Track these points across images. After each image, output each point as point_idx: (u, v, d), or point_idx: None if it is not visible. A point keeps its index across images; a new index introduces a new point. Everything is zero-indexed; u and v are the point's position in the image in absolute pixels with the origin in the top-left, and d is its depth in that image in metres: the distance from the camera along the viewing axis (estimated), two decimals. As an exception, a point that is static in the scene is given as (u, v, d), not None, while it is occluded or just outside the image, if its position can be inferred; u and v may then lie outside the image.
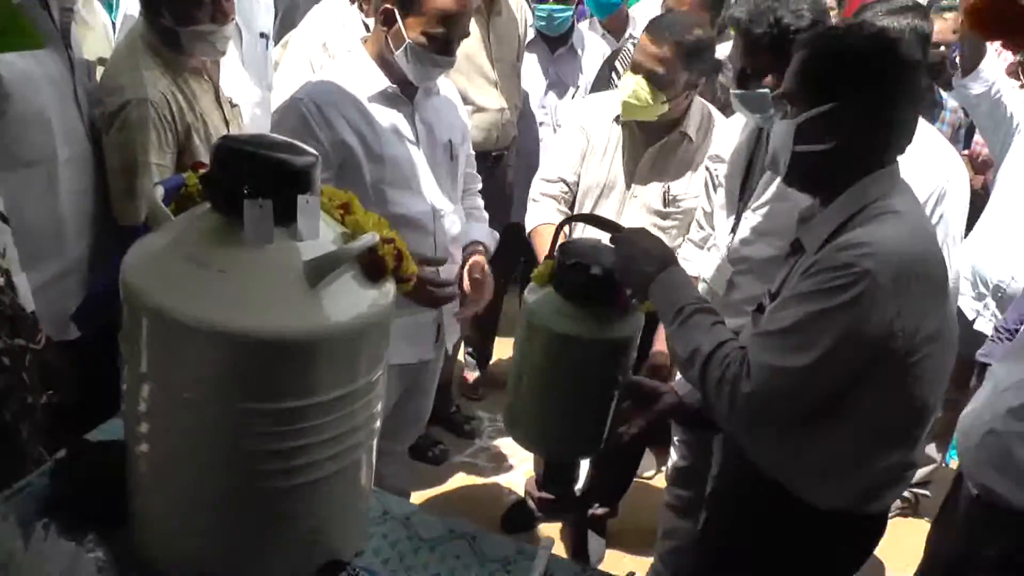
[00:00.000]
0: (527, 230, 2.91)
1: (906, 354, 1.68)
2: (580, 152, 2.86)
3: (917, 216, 1.76)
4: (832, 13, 5.26)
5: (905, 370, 1.70)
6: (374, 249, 1.38)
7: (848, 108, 1.69)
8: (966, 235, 3.15)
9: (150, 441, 1.40)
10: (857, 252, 1.62)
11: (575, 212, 2.86)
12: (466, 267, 2.52)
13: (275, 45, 3.45)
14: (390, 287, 1.44)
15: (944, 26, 3.76)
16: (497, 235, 2.77)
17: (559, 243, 2.00)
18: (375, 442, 1.56)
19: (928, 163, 2.33)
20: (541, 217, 2.87)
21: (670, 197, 2.77)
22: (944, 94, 3.86)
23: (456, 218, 2.53)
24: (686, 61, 2.60)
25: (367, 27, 3.11)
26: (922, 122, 2.45)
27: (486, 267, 2.55)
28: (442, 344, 2.66)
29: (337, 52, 3.06)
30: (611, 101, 2.79)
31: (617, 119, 2.79)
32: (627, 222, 2.55)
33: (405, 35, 2.26)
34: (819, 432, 1.75)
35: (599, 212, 2.74)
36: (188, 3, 2.27)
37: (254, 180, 1.31)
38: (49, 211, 2.18)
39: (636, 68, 2.65)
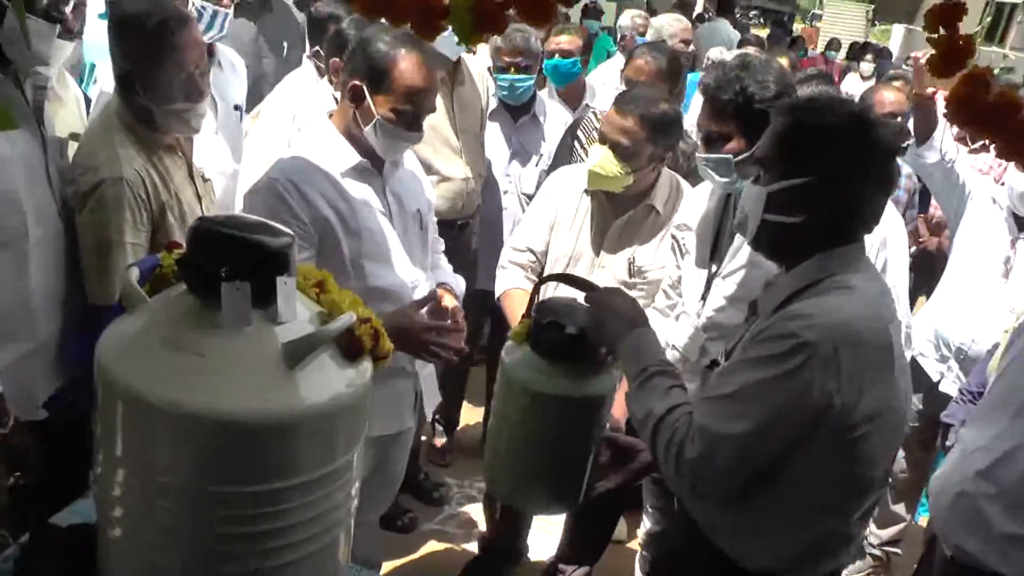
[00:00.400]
0: (496, 295, 2.94)
1: (844, 430, 1.67)
2: (548, 223, 2.91)
3: (873, 295, 1.75)
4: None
5: (843, 446, 1.69)
6: (351, 329, 1.39)
7: (822, 185, 1.71)
8: (927, 298, 3.21)
9: (124, 525, 1.37)
10: (802, 323, 1.64)
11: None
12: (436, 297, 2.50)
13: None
14: (367, 365, 1.44)
15: (897, 96, 3.90)
16: (463, 282, 2.79)
17: (536, 302, 2.03)
18: (352, 518, 1.55)
19: None
20: (510, 283, 2.90)
21: (636, 268, 2.80)
22: (899, 160, 3.97)
23: (428, 286, 2.55)
24: (651, 134, 2.67)
25: (337, 100, 3.14)
26: None
27: (455, 301, 2.55)
28: (419, 412, 2.66)
29: (305, 125, 3.09)
30: (581, 173, 2.84)
31: (587, 191, 2.84)
32: None
33: (374, 111, 2.29)
34: (752, 497, 1.75)
35: None
36: (163, 82, 2.28)
37: (231, 262, 1.31)
38: (19, 291, 2.15)
39: (603, 139, 2.72)
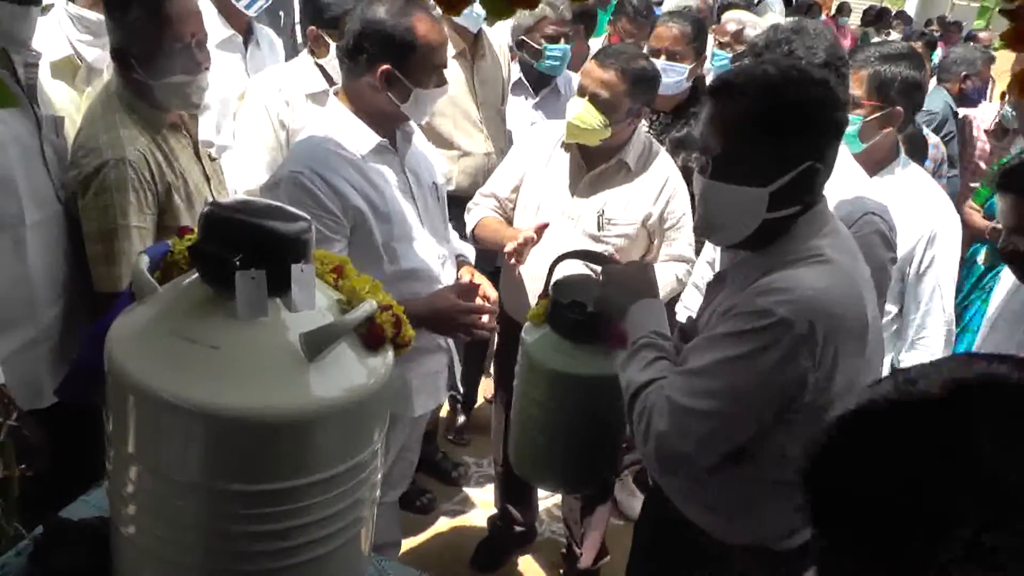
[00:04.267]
0: (469, 231, 2.97)
1: (818, 406, 1.60)
2: (517, 173, 2.96)
3: (847, 263, 1.66)
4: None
5: (815, 422, 1.62)
6: (372, 318, 1.33)
7: (822, 165, 1.62)
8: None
9: (138, 524, 1.32)
10: (774, 299, 1.56)
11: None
12: (466, 278, 2.50)
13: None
14: (389, 354, 1.39)
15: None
16: (472, 250, 2.79)
17: (552, 281, 2.03)
18: (375, 511, 1.49)
19: (919, 206, 2.39)
20: (479, 214, 2.97)
21: (604, 220, 2.82)
22: (926, 131, 3.89)
23: (453, 259, 2.54)
24: (631, 87, 2.70)
25: (322, 69, 3.09)
26: (914, 165, 2.46)
27: (482, 277, 2.53)
28: (455, 383, 2.65)
29: (292, 97, 3.04)
30: (557, 128, 2.91)
31: (563, 144, 2.89)
32: (563, 243, 2.66)
33: (410, 85, 2.24)
34: (723, 473, 1.70)
35: None
36: (159, 55, 2.20)
37: (245, 250, 1.25)
38: (18, 277, 2.11)
39: (582, 92, 2.76)
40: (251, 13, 3.36)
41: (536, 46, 3.76)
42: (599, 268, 2.10)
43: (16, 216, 2.08)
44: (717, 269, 2.58)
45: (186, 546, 1.29)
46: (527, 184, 2.93)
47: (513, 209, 2.97)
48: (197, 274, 1.33)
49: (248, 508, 1.25)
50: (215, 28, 3.12)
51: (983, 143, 5.03)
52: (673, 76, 3.36)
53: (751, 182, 1.61)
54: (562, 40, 3.74)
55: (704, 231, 1.79)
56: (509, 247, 2.67)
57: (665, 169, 2.89)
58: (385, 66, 2.21)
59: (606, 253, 2.77)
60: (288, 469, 1.25)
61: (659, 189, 2.85)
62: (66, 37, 2.83)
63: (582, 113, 2.72)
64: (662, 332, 1.81)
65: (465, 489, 3.84)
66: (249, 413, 1.20)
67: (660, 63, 3.30)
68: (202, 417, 1.20)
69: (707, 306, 1.81)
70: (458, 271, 2.52)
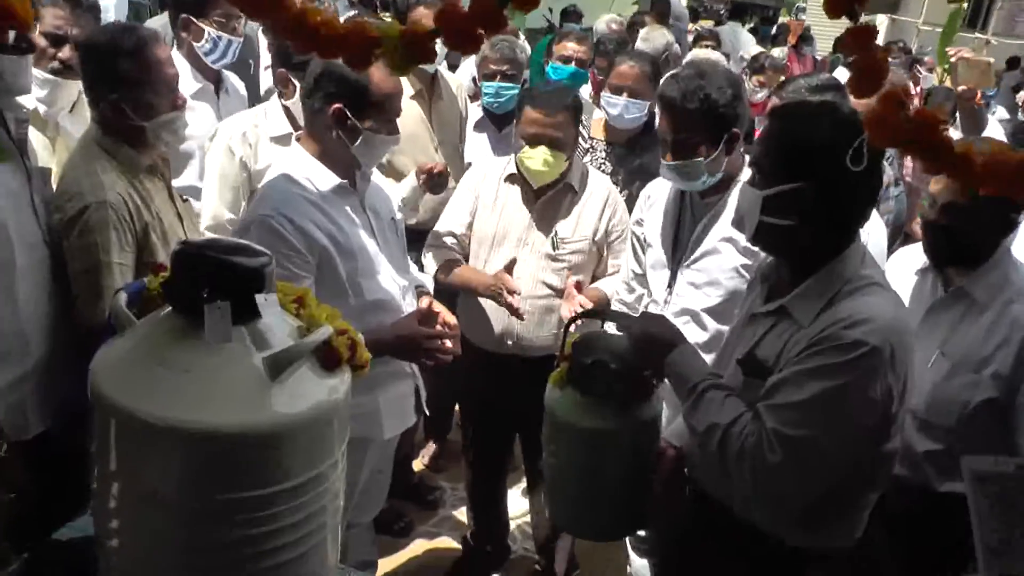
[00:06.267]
0: (434, 272, 3.09)
1: (892, 415, 1.81)
2: (469, 209, 3.09)
3: (889, 285, 1.89)
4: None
5: (884, 427, 1.83)
6: (329, 341, 1.46)
7: (817, 191, 1.80)
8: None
9: (120, 536, 1.43)
10: (864, 328, 1.75)
11: (469, 261, 3.09)
12: (425, 306, 2.60)
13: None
14: (346, 375, 1.52)
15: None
16: (430, 279, 2.95)
17: (572, 341, 2.10)
18: (339, 519, 1.62)
19: None
20: (443, 256, 3.10)
21: (558, 240, 2.98)
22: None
23: (413, 289, 2.66)
24: (573, 120, 2.88)
25: (288, 111, 3.18)
26: None
27: (440, 305, 2.65)
28: (421, 407, 2.76)
29: (256, 140, 3.13)
30: (500, 163, 3.07)
31: (509, 178, 3.03)
32: (522, 268, 2.88)
33: (360, 128, 2.37)
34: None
35: (494, 261, 2.99)
36: (151, 96, 2.37)
37: (211, 283, 1.38)
38: (9, 318, 2.21)
39: (536, 140, 2.87)
40: (216, 67, 3.53)
41: (476, 84, 3.92)
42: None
43: (8, 261, 2.19)
44: (650, 281, 2.76)
45: (165, 554, 1.40)
46: (480, 220, 3.07)
47: (469, 244, 3.11)
48: (170, 307, 1.46)
49: (221, 516, 1.36)
50: (188, 81, 3.27)
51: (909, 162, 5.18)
52: (635, 112, 3.54)
53: (754, 184, 1.92)
54: (499, 78, 3.82)
55: (734, 224, 2.03)
56: (509, 298, 2.84)
57: (604, 186, 3.08)
58: (337, 105, 2.34)
59: (564, 269, 2.92)
60: (256, 479, 1.36)
61: (603, 204, 3.02)
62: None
63: (548, 159, 2.86)
64: (715, 372, 1.98)
65: (441, 512, 3.95)
66: (218, 429, 1.32)
67: (622, 100, 3.50)
68: (175, 434, 1.31)
69: (763, 336, 1.95)
70: (418, 301, 2.64)
